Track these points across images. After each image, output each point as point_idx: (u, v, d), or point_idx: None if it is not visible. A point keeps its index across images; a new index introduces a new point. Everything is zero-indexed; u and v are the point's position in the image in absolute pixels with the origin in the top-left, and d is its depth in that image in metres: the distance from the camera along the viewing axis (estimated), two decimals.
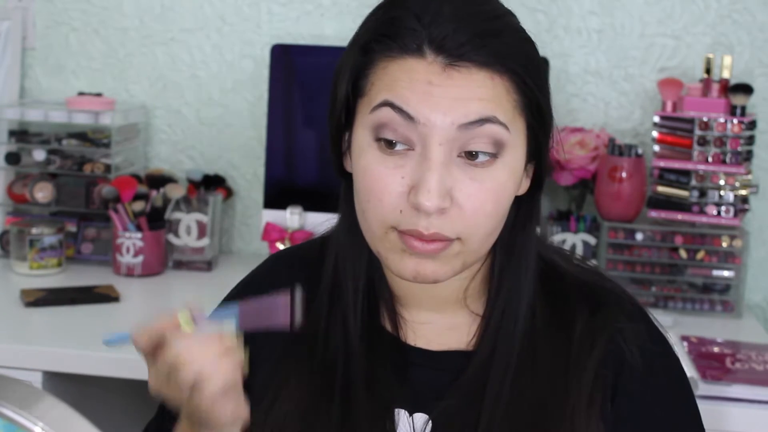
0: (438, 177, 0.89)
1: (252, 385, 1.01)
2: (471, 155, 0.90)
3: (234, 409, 0.92)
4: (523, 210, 1.01)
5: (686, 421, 1.01)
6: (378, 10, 0.95)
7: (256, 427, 1.00)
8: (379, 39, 0.92)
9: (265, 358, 1.04)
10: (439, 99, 0.89)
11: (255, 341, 1.06)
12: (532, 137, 0.95)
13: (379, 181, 0.91)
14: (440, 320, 1.02)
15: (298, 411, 0.99)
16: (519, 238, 1.00)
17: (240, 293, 1.12)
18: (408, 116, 0.89)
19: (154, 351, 0.91)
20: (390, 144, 0.91)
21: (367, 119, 0.92)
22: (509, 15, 0.95)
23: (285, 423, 0.99)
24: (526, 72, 0.92)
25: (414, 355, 1.01)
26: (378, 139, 0.92)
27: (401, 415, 0.99)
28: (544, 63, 0.98)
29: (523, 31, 0.95)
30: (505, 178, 0.92)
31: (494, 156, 0.91)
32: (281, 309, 0.91)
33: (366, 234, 0.96)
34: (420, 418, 0.99)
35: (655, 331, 1.03)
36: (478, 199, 0.91)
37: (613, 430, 0.97)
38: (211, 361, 0.89)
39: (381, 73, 0.92)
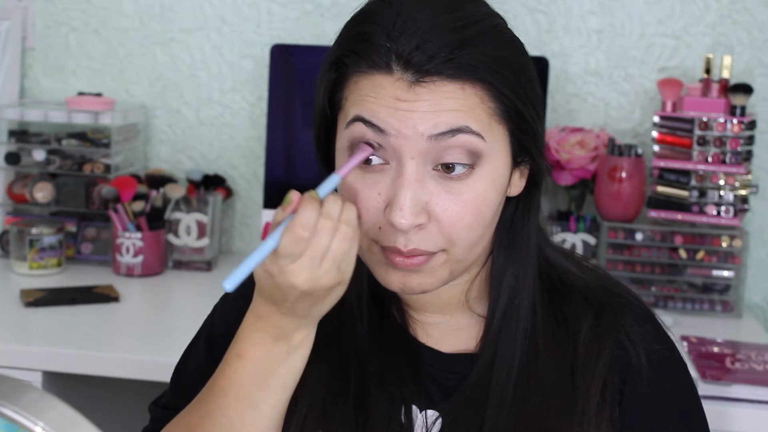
0: (411, 194, 0.88)
1: None
2: (447, 168, 0.90)
3: None
4: (519, 210, 1.00)
5: (693, 426, 1.01)
6: (349, 23, 0.95)
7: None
8: (349, 54, 0.92)
9: None
10: (408, 112, 0.88)
11: None
12: (516, 142, 0.94)
13: (357, 197, 0.91)
14: (447, 321, 1.03)
15: (316, 411, 0.99)
16: (517, 238, 1.00)
17: (246, 285, 1.12)
18: (379, 129, 0.89)
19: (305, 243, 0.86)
20: (366, 160, 0.91)
21: (344, 134, 0.92)
22: (488, 18, 0.93)
23: (305, 424, 0.98)
24: (500, 80, 0.90)
25: (426, 353, 1.01)
26: (352, 154, 0.91)
27: (414, 411, 0.99)
28: (529, 65, 0.95)
29: (502, 33, 0.93)
30: (483, 188, 0.91)
31: (471, 167, 0.90)
32: (362, 151, 0.91)
33: None
34: (431, 415, 0.99)
35: (662, 335, 1.02)
36: (455, 213, 0.90)
37: None
38: (355, 224, 0.87)
39: (353, 87, 0.92)
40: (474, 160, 0.90)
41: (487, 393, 0.97)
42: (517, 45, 0.94)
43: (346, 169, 0.90)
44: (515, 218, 1.00)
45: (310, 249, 0.85)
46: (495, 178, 0.92)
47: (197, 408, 0.98)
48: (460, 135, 0.88)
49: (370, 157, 0.90)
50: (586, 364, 0.97)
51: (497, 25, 0.94)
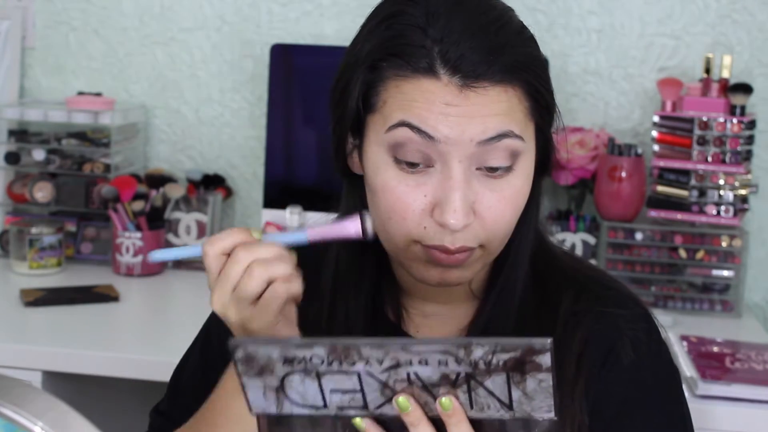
0: (461, 195, 0.90)
1: None
2: (490, 169, 0.92)
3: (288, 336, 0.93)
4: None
5: (668, 418, 1.00)
6: (379, 24, 0.94)
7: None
8: (387, 58, 0.91)
9: None
10: (457, 118, 0.89)
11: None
12: (540, 136, 0.97)
13: (401, 199, 0.92)
14: (446, 312, 1.04)
15: None
16: (522, 224, 1.01)
17: None
18: (427, 135, 0.90)
19: (221, 264, 0.90)
20: (411, 165, 0.91)
21: (383, 138, 0.92)
22: (512, 17, 0.95)
23: None
24: (536, 78, 0.93)
25: None
26: (396, 157, 0.92)
27: None
28: (545, 59, 0.98)
29: (525, 29, 0.95)
30: (521, 184, 0.94)
31: (511, 163, 0.92)
32: (352, 223, 0.93)
33: (386, 244, 0.97)
34: None
35: (654, 331, 1.03)
36: (498, 209, 0.93)
37: (590, 415, 0.97)
38: (278, 273, 0.89)
39: (394, 91, 0.91)
40: (513, 160, 0.92)
41: None
42: (534, 39, 0.96)
43: (317, 233, 0.92)
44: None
45: (222, 274, 0.89)
46: (529, 173, 0.95)
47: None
48: (506, 139, 0.91)
49: (415, 163, 0.91)
50: (562, 336, 0.99)
51: (520, 22, 0.96)
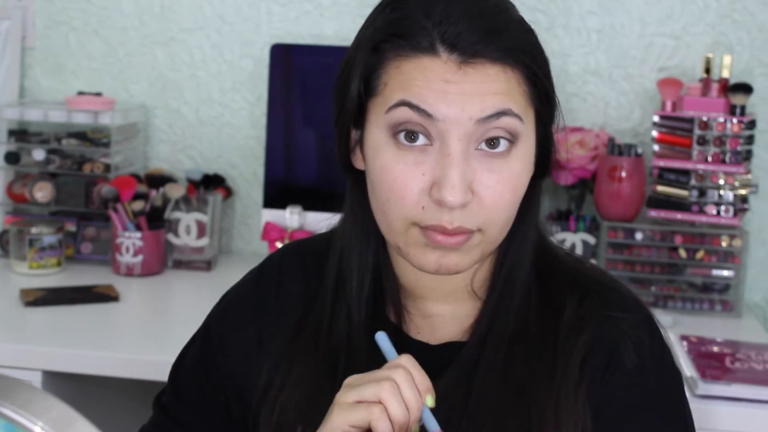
0: (459, 172, 0.90)
1: (260, 372, 1.04)
2: (490, 145, 0.92)
3: None
4: (526, 195, 1.01)
5: (669, 428, 1.00)
6: (384, 9, 0.96)
7: (263, 416, 1.02)
8: (389, 39, 0.93)
9: (274, 347, 1.06)
10: (456, 95, 0.90)
11: (263, 330, 1.08)
12: (541, 126, 0.97)
13: (399, 178, 0.92)
14: (447, 311, 1.04)
15: (303, 400, 1.00)
16: (522, 221, 1.01)
17: (252, 283, 1.14)
18: (426, 114, 0.90)
19: (393, 389, 0.89)
20: (410, 137, 0.91)
21: (383, 119, 0.93)
22: (511, 8, 0.97)
23: (289, 411, 1.00)
24: (535, 63, 0.94)
25: (414, 347, 1.02)
26: (396, 134, 0.92)
27: None
28: (544, 51, 0.99)
29: (524, 22, 0.97)
30: (520, 168, 0.94)
31: (510, 142, 0.93)
32: None
33: (384, 230, 0.97)
34: None
35: (656, 335, 1.03)
36: (497, 191, 0.93)
37: (593, 419, 0.97)
38: None
39: (394, 72, 0.92)
40: (513, 140, 0.93)
41: (477, 364, 0.99)
42: (534, 32, 0.98)
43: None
44: (522, 202, 1.01)
45: (378, 389, 0.89)
46: (528, 159, 0.95)
47: None
48: (504, 117, 0.91)
49: (416, 132, 0.91)
50: (565, 343, 0.99)
51: (520, 15, 0.97)
